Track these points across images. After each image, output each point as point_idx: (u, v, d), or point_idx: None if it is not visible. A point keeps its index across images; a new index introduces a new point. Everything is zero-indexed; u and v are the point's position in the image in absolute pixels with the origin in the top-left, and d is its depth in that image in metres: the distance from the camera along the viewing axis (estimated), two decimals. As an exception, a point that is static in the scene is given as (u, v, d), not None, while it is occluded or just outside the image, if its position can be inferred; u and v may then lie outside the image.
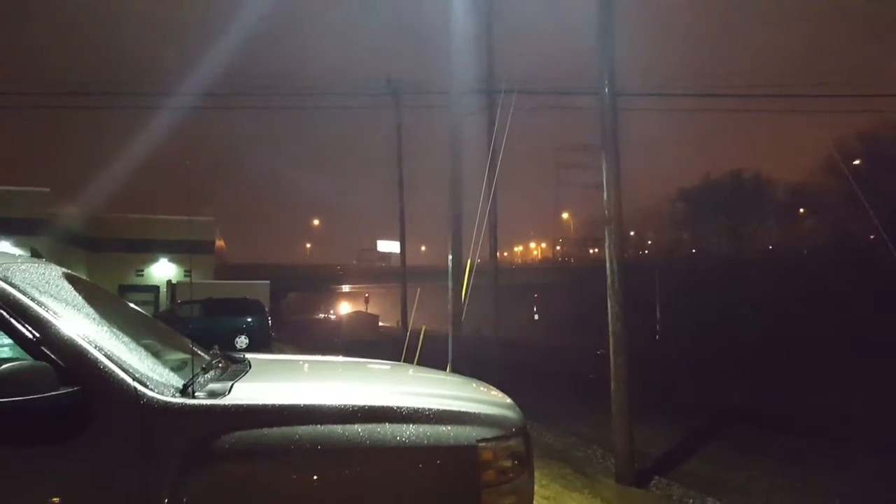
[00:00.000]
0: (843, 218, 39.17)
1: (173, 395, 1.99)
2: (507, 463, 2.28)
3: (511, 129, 10.83)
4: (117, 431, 1.89)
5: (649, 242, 65.80)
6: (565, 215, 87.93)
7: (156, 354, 2.31)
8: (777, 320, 27.66)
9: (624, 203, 7.38)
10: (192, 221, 32.33)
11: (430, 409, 2.22)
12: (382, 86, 26.41)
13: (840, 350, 20.94)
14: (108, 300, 2.88)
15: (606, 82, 7.23)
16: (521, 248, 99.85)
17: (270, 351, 17.96)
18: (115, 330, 2.17)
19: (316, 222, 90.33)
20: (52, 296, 2.11)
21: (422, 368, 3.99)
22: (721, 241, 54.66)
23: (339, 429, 2.05)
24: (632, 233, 60.36)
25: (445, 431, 2.18)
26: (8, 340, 1.97)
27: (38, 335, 1.93)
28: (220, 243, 38.94)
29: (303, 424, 2.02)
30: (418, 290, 15.33)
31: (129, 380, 1.94)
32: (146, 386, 1.95)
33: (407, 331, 13.23)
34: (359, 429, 2.07)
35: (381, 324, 32.52)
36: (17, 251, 3.04)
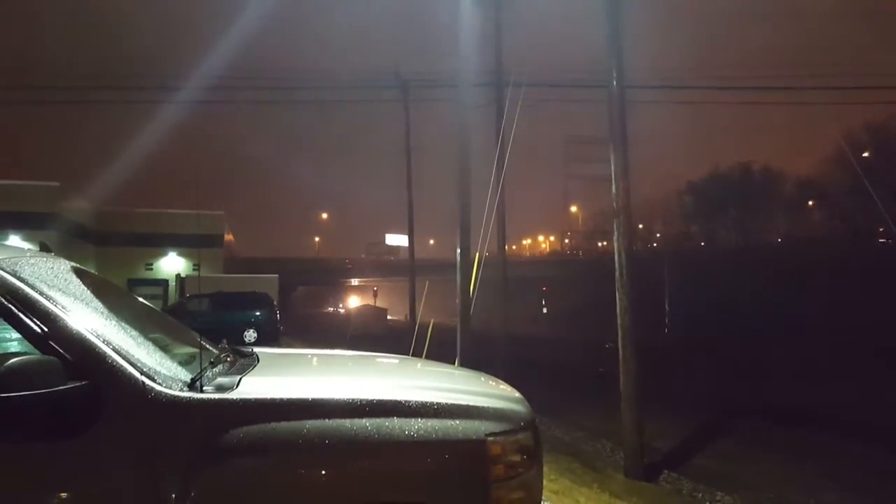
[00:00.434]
0: (851, 210, 38.88)
1: (181, 390, 1.98)
2: (516, 457, 2.27)
3: (519, 121, 10.79)
4: (125, 425, 1.89)
5: (658, 235, 65.47)
6: (574, 208, 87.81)
7: (164, 348, 2.31)
8: (785, 313, 27.50)
9: (632, 195, 7.34)
10: (201, 215, 32.42)
11: (438, 403, 2.20)
12: (391, 79, 26.34)
13: (847, 341, 20.81)
14: (116, 294, 2.88)
15: (615, 75, 7.18)
16: (529, 241, 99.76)
17: (279, 345, 18.03)
18: (123, 324, 2.16)
19: (325, 216, 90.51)
20: (60, 290, 2.11)
21: (430, 362, 3.98)
22: (729, 233, 54.37)
23: (347, 423, 2.04)
24: (640, 225, 60.08)
25: (454, 425, 2.17)
26: (16, 335, 1.97)
27: (46, 329, 1.93)
28: (229, 237, 39.07)
29: (311, 418, 2.01)
30: (426, 283, 15.32)
31: (137, 374, 1.93)
32: (154, 380, 1.95)
33: (415, 324, 13.23)
34: (367, 423, 2.06)
35: (389, 317, 32.62)
36: (26, 245, 3.04)
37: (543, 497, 2.51)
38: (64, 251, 3.20)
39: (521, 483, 2.26)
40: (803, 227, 49.75)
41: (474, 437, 2.17)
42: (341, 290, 76.44)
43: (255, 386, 2.13)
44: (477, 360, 8.59)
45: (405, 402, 2.17)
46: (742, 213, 52.78)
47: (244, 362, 2.63)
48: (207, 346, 2.74)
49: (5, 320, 1.95)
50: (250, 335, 20.27)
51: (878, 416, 11.43)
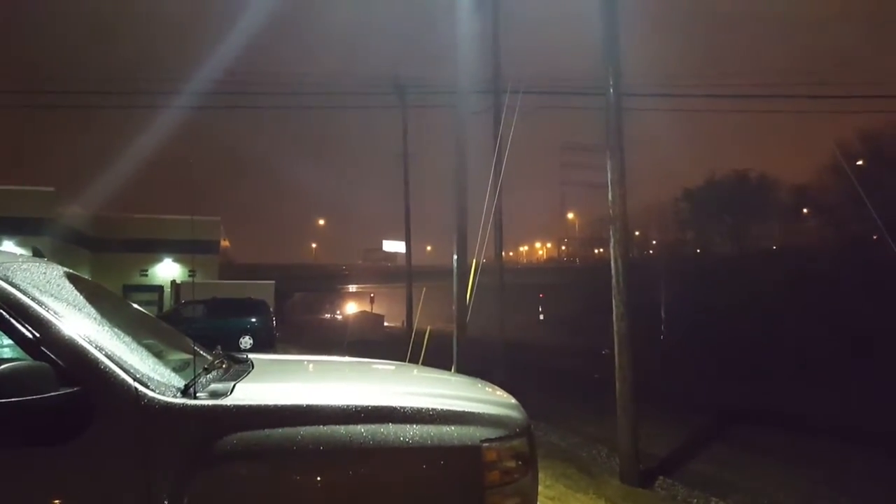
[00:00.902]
0: (846, 218, 39.01)
1: (175, 396, 1.97)
2: (512, 463, 2.26)
3: (517, 128, 10.82)
4: (118, 432, 1.88)
5: (654, 242, 65.63)
6: (570, 215, 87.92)
7: (157, 355, 2.30)
8: (780, 320, 27.56)
9: (629, 202, 7.36)
10: (196, 221, 32.37)
11: (433, 409, 2.20)
12: (389, 85, 26.39)
13: (843, 349, 20.85)
14: (109, 300, 2.87)
15: (611, 83, 7.21)
16: (526, 247, 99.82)
17: (275, 351, 17.97)
18: (116, 330, 2.15)
19: (321, 222, 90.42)
20: (52, 295, 2.10)
21: (426, 368, 3.98)
22: (725, 240, 54.50)
23: (341, 429, 2.03)
24: (636, 232, 60.22)
25: (449, 431, 2.16)
26: (8, 340, 1.96)
27: (38, 335, 1.92)
28: (225, 243, 38.99)
29: (305, 425, 2.00)
30: (423, 290, 15.31)
31: (129, 380, 1.92)
32: (147, 386, 1.94)
33: (412, 331, 13.21)
34: (362, 429, 2.05)
35: (386, 324, 32.58)
36: (20, 251, 3.03)
37: (539, 502, 2.50)
38: (58, 257, 3.19)
39: (516, 489, 2.26)
40: (798, 235, 49.90)
41: (469, 444, 2.16)
42: (338, 296, 76.32)
43: (249, 392, 2.12)
44: (473, 366, 8.57)
45: (400, 408, 2.16)
46: (737, 221, 52.91)
47: (238, 368, 2.62)
48: (201, 352, 2.73)
49: (-3, 326, 1.94)
50: (246, 342, 20.20)
51: (871, 421, 11.45)
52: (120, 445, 1.87)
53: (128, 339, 2.15)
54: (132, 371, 1.95)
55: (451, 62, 10.56)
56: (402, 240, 29.65)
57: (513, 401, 2.67)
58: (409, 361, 8.93)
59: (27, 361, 1.89)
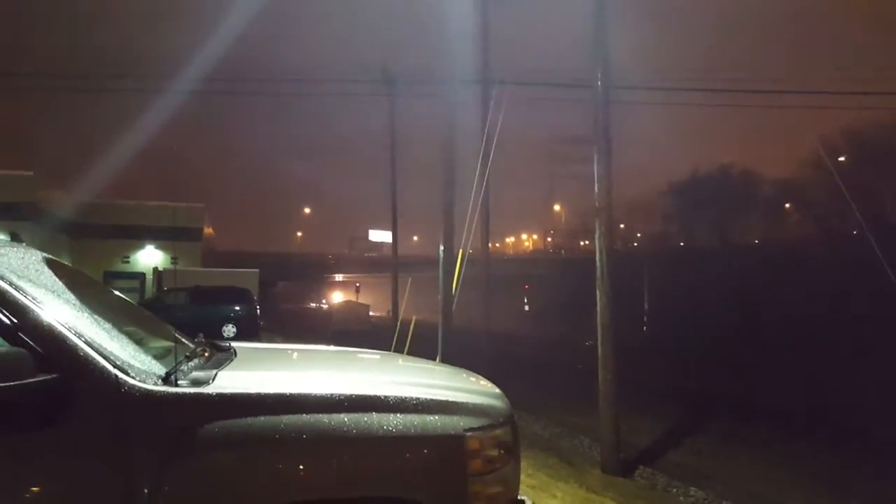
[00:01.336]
0: (827, 213, 39.49)
1: (155, 384, 1.95)
2: (494, 452, 2.28)
3: (505, 120, 10.81)
4: (97, 419, 1.86)
5: (638, 235, 66.03)
6: (557, 207, 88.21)
7: (138, 342, 2.28)
8: (761, 313, 27.89)
9: (614, 195, 7.41)
10: (180, 208, 32.03)
11: (417, 399, 2.20)
12: (377, 74, 26.17)
13: (822, 342, 21.16)
14: (89, 286, 2.84)
15: (599, 76, 7.23)
16: (512, 239, 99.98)
17: (259, 340, 17.89)
18: (96, 317, 2.13)
19: (307, 210, 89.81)
20: (31, 281, 2.07)
21: (411, 358, 3.98)
22: (708, 234, 54.94)
23: (324, 418, 2.02)
24: (622, 225, 60.54)
25: (433, 421, 2.17)
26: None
27: (15, 321, 1.89)
28: (208, 230, 38.62)
29: (288, 413, 1.99)
30: (409, 280, 15.32)
31: (109, 367, 1.90)
32: (128, 374, 1.92)
33: (397, 321, 13.21)
34: (345, 418, 2.05)
35: (371, 314, 32.54)
36: (-2, 235, 2.98)
37: (521, 492, 2.52)
38: (38, 242, 3.14)
39: (498, 477, 2.27)
40: (780, 229, 50.43)
41: (453, 433, 2.18)
42: (323, 285, 76.07)
43: (231, 380, 2.11)
44: (458, 356, 8.60)
45: (384, 397, 2.16)
46: (721, 214, 53.35)
47: (221, 357, 2.60)
48: (183, 340, 2.71)
49: (-27, 311, 1.91)
50: (229, 330, 20.07)
51: (847, 414, 11.66)
52: (99, 433, 1.85)
53: (108, 326, 2.12)
54: (112, 358, 1.93)
55: (440, 52, 10.51)
56: (388, 230, 29.58)
57: (496, 390, 2.68)
58: (395, 351, 8.94)
59: (4, 348, 1.86)
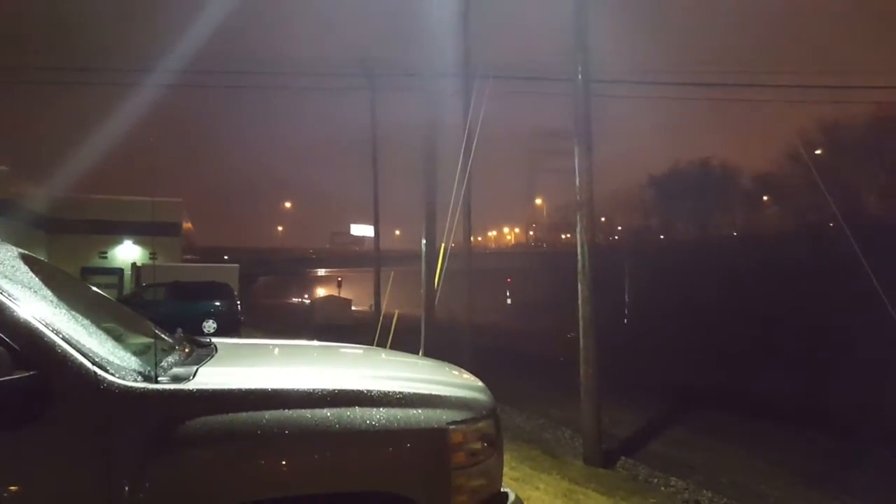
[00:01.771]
0: (804, 205, 40.06)
1: (135, 380, 1.93)
2: (477, 445, 2.29)
3: (486, 113, 10.80)
4: (76, 417, 1.83)
5: (619, 228, 66.50)
6: (539, 200, 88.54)
7: (117, 338, 2.25)
8: (739, 304, 28.26)
9: (595, 189, 7.45)
10: (158, 203, 31.64)
11: (400, 393, 2.21)
12: (357, 67, 25.99)
13: (798, 332, 21.51)
14: (67, 282, 2.79)
15: (580, 69, 7.25)
16: (494, 232, 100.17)
17: (239, 336, 17.78)
18: (73, 313, 2.10)
19: (288, 205, 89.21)
20: (6, 277, 2.03)
21: (394, 352, 3.98)
22: (688, 227, 55.50)
23: (307, 413, 2.02)
24: (603, 218, 60.91)
25: (416, 414, 2.18)
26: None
27: (-10, 318, 1.85)
28: (187, 225, 38.25)
29: (269, 409, 1.98)
30: (392, 274, 15.27)
31: (88, 364, 1.87)
32: (107, 370, 1.89)
33: (380, 315, 13.18)
34: (328, 413, 2.04)
35: (354, 308, 32.42)
36: (-29, 231, 2.92)
37: (504, 484, 2.54)
38: (13, 238, 3.08)
39: (481, 470, 2.29)
40: (758, 222, 51.08)
41: (436, 426, 2.18)
42: (305, 280, 75.68)
43: (212, 376, 2.09)
44: (441, 349, 8.61)
45: (366, 391, 2.16)
46: (700, 208, 53.89)
47: (201, 352, 2.58)
48: (163, 335, 2.69)
49: (-53, 308, 1.87)
50: (210, 326, 19.91)
51: (825, 403, 11.88)
52: (78, 430, 1.83)
53: (86, 322, 2.10)
54: (91, 355, 1.90)
55: (421, 44, 10.48)
56: (370, 224, 29.45)
57: (479, 383, 2.69)
58: (377, 345, 8.92)
59: None
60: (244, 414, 1.95)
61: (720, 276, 32.00)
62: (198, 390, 1.97)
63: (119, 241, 32.43)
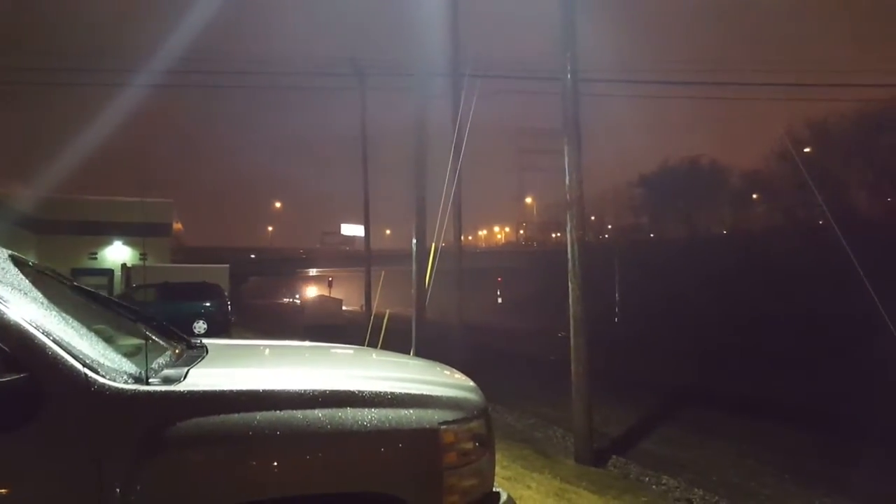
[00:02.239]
0: (793, 203, 40.33)
1: (126, 382, 1.92)
2: (469, 445, 2.30)
3: (476, 112, 10.81)
4: (67, 419, 1.83)
5: (609, 226, 66.70)
6: (529, 200, 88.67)
7: (108, 340, 2.24)
8: (728, 302, 28.44)
9: (585, 187, 7.46)
10: (148, 203, 31.44)
11: (391, 393, 2.21)
12: (347, 67, 25.91)
13: (786, 330, 21.67)
14: (57, 283, 2.78)
15: (568, 68, 7.26)
16: (485, 232, 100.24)
17: (230, 336, 17.70)
18: (64, 315, 2.09)
19: (278, 205, 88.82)
20: (-5, 279, 2.02)
21: (385, 352, 3.98)
22: (678, 225, 55.75)
23: (299, 414, 2.02)
24: (592, 217, 61.08)
25: (407, 415, 2.18)
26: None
27: (-20, 320, 1.85)
28: (177, 226, 38.05)
29: (261, 410, 1.98)
30: (382, 273, 15.26)
31: (79, 366, 1.87)
32: (97, 372, 1.89)
33: (371, 315, 13.17)
34: (319, 413, 2.04)
35: (344, 308, 32.37)
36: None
37: (496, 483, 2.55)
38: (1, 239, 3.06)
39: (473, 470, 2.29)
40: (747, 220, 51.37)
41: (427, 426, 2.19)
42: (295, 280, 75.45)
43: (203, 378, 2.09)
44: (432, 349, 8.62)
45: (358, 392, 2.16)
46: (690, 206, 54.15)
47: (192, 354, 2.58)
48: (153, 337, 2.68)
49: (-64, 311, 1.86)
50: (200, 326, 19.82)
51: (816, 401, 11.97)
52: (69, 433, 1.82)
53: (76, 324, 2.09)
54: (81, 357, 1.90)
55: (410, 44, 10.48)
56: (360, 223, 29.40)
57: (470, 383, 2.70)
58: (368, 345, 8.92)
59: None
60: (235, 415, 1.95)
61: (709, 275, 32.17)
62: (189, 392, 1.97)
63: (109, 242, 32.21)
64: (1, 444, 1.77)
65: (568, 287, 7.16)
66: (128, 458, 1.82)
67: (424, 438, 2.18)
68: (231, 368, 2.51)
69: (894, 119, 36.32)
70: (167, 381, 2.01)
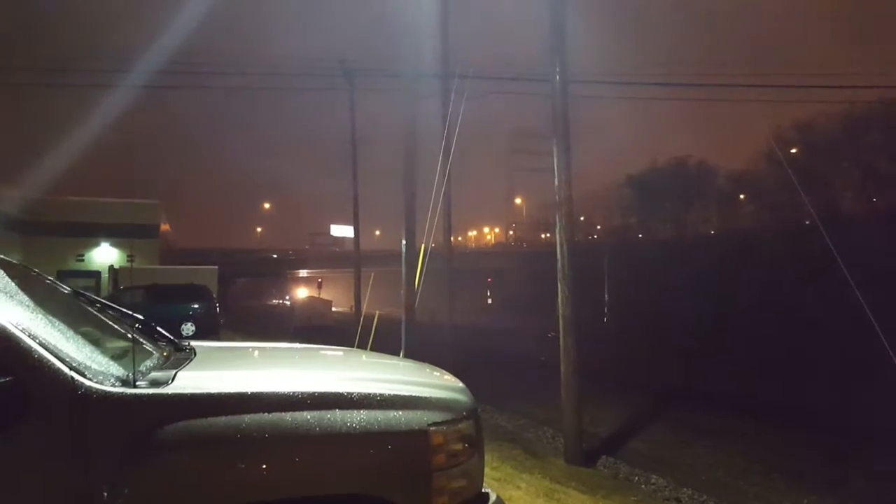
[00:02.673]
0: (780, 204, 40.64)
1: (113, 385, 1.91)
2: (458, 446, 2.30)
3: (465, 113, 10.83)
4: (53, 423, 1.81)
5: (598, 227, 66.95)
6: (518, 200, 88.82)
7: (95, 343, 2.23)
8: (716, 302, 28.61)
9: (574, 188, 7.50)
10: (134, 204, 31.24)
11: (380, 395, 2.21)
12: (336, 68, 25.86)
13: (776, 330, 21.83)
14: (43, 286, 2.76)
15: (558, 70, 7.30)
16: (475, 232, 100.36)
17: (219, 339, 17.61)
18: (50, 317, 2.07)
19: (267, 206, 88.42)
20: (-20, 282, 2.01)
21: (375, 354, 3.98)
22: (666, 225, 56.02)
23: (287, 416, 2.01)
24: (582, 217, 61.28)
25: (396, 416, 2.18)
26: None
27: (-36, 323, 1.83)
28: (165, 227, 37.79)
29: (249, 412, 1.97)
30: (372, 275, 15.23)
31: (65, 369, 1.85)
32: (84, 375, 1.87)
33: (361, 316, 13.14)
34: (308, 415, 2.04)
35: (334, 309, 32.30)
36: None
37: (486, 484, 2.55)
38: (-15, 241, 3.02)
39: (462, 471, 2.30)
40: (735, 220, 51.70)
41: (416, 428, 2.19)
42: (285, 281, 75.15)
43: (191, 380, 2.07)
44: (422, 350, 8.61)
45: (347, 394, 2.16)
46: (678, 206, 54.44)
47: (180, 356, 2.57)
48: (141, 339, 2.66)
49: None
50: (188, 328, 19.69)
51: (800, 401, 12.07)
52: (56, 436, 1.81)
53: (63, 326, 2.07)
54: (68, 360, 1.88)
55: (401, 45, 10.47)
56: (350, 224, 29.34)
57: (460, 384, 2.70)
58: (358, 347, 8.90)
59: None
60: (223, 418, 1.94)
61: (697, 274, 32.36)
62: (176, 394, 1.96)
63: (96, 244, 31.95)
64: None
65: (557, 287, 7.19)
66: (115, 461, 1.81)
67: (413, 440, 2.18)
68: (219, 371, 2.49)
69: (880, 119, 36.74)
70: (155, 383, 2.00)
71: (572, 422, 6.98)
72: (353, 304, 30.70)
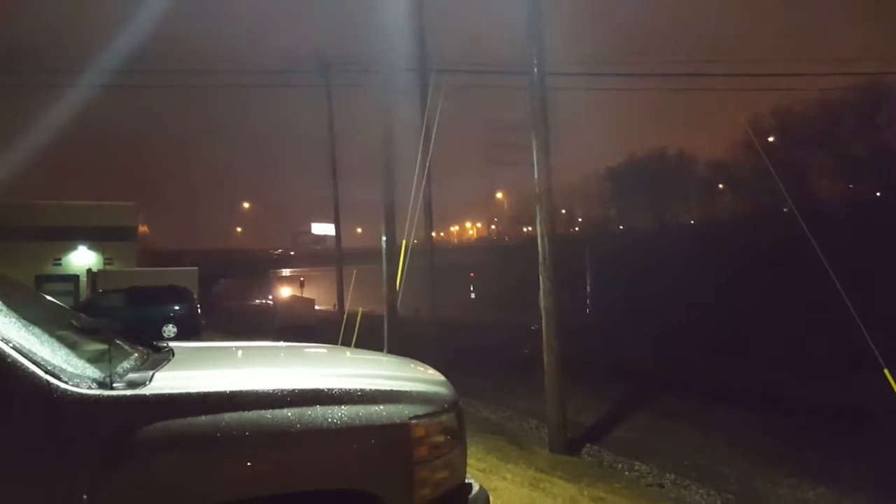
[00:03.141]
0: (758, 192, 41.15)
1: (90, 387, 1.89)
2: (440, 438, 2.32)
3: (444, 108, 10.82)
4: (29, 427, 1.80)
5: (580, 220, 67.35)
6: (500, 194, 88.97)
7: (72, 346, 2.20)
8: (696, 291, 28.94)
9: (554, 180, 7.54)
10: (110, 206, 30.86)
11: (361, 390, 2.22)
12: (313, 64, 25.67)
13: (753, 317, 22.15)
14: (16, 290, 2.72)
15: (535, 62, 7.32)
16: (456, 227, 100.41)
17: (200, 340, 17.46)
18: (24, 321, 2.05)
19: (246, 205, 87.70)
20: (-50, 287, 1.98)
21: (358, 350, 3.98)
22: (646, 216, 56.49)
23: (267, 414, 2.01)
24: (563, 210, 61.63)
25: (378, 411, 2.19)
26: None
27: (-64, 329, 1.80)
28: (143, 228, 37.37)
29: (229, 411, 1.97)
30: (354, 272, 15.20)
31: (40, 373, 1.83)
32: (60, 378, 1.85)
33: (344, 314, 13.11)
34: (288, 413, 2.04)
35: (317, 307, 32.12)
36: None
37: (470, 475, 2.57)
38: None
39: (444, 463, 2.32)
40: (714, 209, 52.29)
41: (398, 421, 2.20)
42: (267, 281, 74.69)
43: (169, 381, 2.06)
44: (406, 346, 8.63)
45: (327, 390, 2.16)
46: (657, 197, 54.91)
47: (158, 357, 2.55)
48: (118, 341, 2.64)
49: None
50: (169, 330, 19.50)
51: (782, 386, 12.27)
52: (32, 441, 1.79)
53: (37, 330, 2.05)
54: (43, 363, 1.86)
55: (377, 40, 10.43)
56: (331, 222, 29.22)
57: (441, 378, 2.72)
58: (342, 344, 8.88)
59: None
60: (203, 417, 1.93)
61: (676, 263, 32.70)
62: (154, 395, 1.95)
63: (73, 247, 31.54)
64: None
65: (539, 280, 7.23)
66: (94, 464, 1.80)
67: (395, 433, 2.20)
68: (197, 370, 2.48)
69: (855, 107, 37.31)
70: (132, 385, 1.98)
71: (556, 412, 7.04)
72: (336, 302, 30.62)
